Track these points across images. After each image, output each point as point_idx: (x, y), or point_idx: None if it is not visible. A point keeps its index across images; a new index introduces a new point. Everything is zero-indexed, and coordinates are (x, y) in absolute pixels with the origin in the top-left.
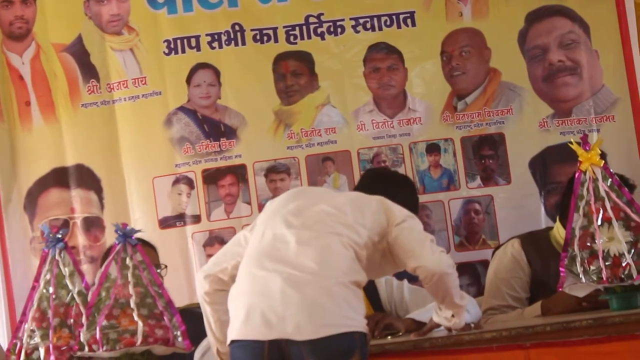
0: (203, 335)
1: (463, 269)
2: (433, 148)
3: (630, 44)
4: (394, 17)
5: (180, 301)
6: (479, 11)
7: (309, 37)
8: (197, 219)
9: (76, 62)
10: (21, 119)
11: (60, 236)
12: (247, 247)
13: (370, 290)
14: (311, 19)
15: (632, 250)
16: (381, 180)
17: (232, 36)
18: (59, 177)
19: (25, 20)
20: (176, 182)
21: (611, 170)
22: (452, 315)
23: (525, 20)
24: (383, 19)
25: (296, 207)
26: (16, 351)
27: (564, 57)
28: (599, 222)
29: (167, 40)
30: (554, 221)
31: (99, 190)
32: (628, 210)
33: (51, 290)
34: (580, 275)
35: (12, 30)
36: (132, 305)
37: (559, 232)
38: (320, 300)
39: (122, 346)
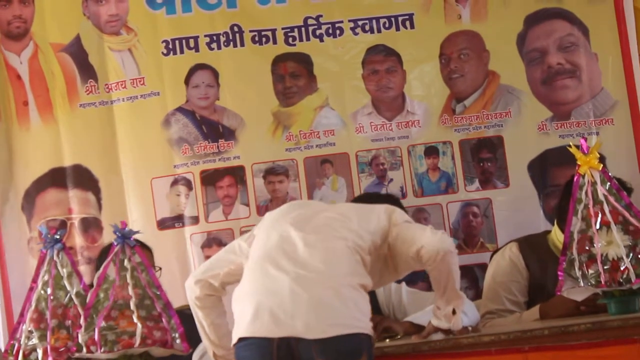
0: None
1: (461, 272)
2: (431, 151)
3: (630, 46)
4: (392, 19)
5: (178, 302)
6: (478, 14)
7: (308, 39)
8: (195, 220)
9: (74, 62)
10: (19, 119)
11: (58, 237)
12: (242, 256)
13: (369, 293)
14: (310, 21)
15: (631, 254)
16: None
17: (230, 37)
18: (56, 178)
19: (23, 19)
20: (174, 183)
21: (610, 174)
22: (453, 313)
23: (524, 23)
24: (382, 21)
25: (300, 214)
26: (14, 352)
27: (563, 60)
28: (598, 226)
29: (165, 41)
30: (553, 224)
31: (96, 191)
32: (626, 214)
33: (49, 291)
34: (579, 279)
35: (10, 29)
36: (131, 306)
37: (556, 236)
38: (328, 300)
39: (120, 348)
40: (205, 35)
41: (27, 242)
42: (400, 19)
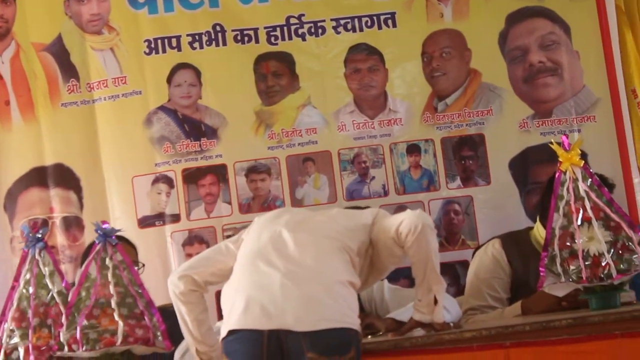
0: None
1: (443, 269)
2: (413, 149)
3: (611, 44)
4: (374, 17)
5: (159, 300)
6: (460, 12)
7: (290, 38)
8: (176, 218)
9: (56, 62)
10: (1, 119)
11: (40, 236)
12: (228, 257)
13: None
14: (292, 20)
15: (612, 250)
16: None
17: (213, 36)
18: (38, 177)
19: (5, 19)
20: (156, 181)
21: (591, 171)
22: (435, 302)
23: (506, 22)
24: (364, 19)
25: (290, 217)
26: None
27: (544, 58)
28: (579, 222)
29: (147, 40)
30: (534, 222)
31: (78, 190)
32: (608, 210)
33: (31, 290)
34: (560, 275)
35: None
36: (113, 305)
37: (539, 232)
38: (319, 295)
39: (102, 346)
40: (188, 35)
41: (9, 241)
42: (382, 17)
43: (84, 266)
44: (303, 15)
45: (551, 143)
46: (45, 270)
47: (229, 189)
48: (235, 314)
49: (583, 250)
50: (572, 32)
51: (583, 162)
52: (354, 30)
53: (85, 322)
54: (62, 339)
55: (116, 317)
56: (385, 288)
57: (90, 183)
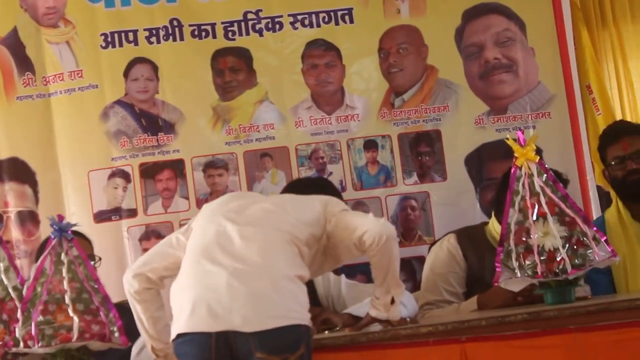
0: None
1: (399, 265)
2: (370, 144)
3: (566, 40)
4: (332, 13)
5: (115, 295)
6: (417, 8)
7: (247, 34)
8: (133, 212)
9: (11, 55)
10: None
11: None
12: (179, 249)
13: (308, 285)
14: (249, 15)
15: (567, 245)
16: (304, 187)
17: (170, 31)
18: None
19: None
20: (112, 175)
21: (546, 166)
22: (392, 302)
23: (462, 18)
24: (321, 15)
25: (238, 206)
26: None
27: (499, 55)
28: (534, 217)
29: (104, 34)
30: (489, 217)
31: (33, 184)
32: (562, 206)
33: None
34: (516, 270)
35: None
36: (68, 300)
37: (494, 227)
38: (266, 292)
39: (57, 342)
40: (145, 29)
41: None
42: (339, 13)
43: (39, 261)
44: (260, 10)
45: (507, 139)
46: (0, 266)
47: (187, 184)
48: (183, 316)
49: (538, 246)
50: (527, 28)
51: (538, 157)
52: (311, 26)
53: (40, 318)
54: (17, 335)
55: (71, 313)
56: (343, 283)
57: (46, 177)
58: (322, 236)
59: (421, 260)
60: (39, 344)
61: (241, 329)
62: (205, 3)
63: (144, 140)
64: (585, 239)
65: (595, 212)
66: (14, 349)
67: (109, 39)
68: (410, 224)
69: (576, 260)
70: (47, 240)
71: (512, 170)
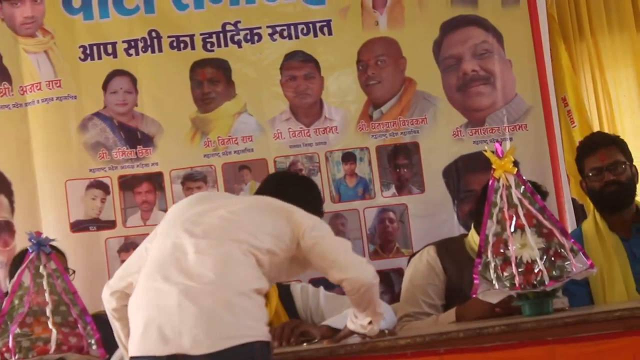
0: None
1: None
2: (349, 157)
3: (543, 53)
4: (310, 25)
5: (92, 306)
6: (395, 20)
7: (226, 45)
8: (111, 224)
9: None
10: None
11: None
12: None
13: (286, 297)
14: (228, 27)
15: (544, 257)
16: (285, 183)
17: (148, 43)
18: None
19: None
20: (90, 186)
21: (524, 178)
22: (369, 323)
23: (440, 30)
24: (300, 27)
25: (197, 214)
26: None
27: (477, 67)
28: (512, 229)
29: (82, 46)
30: (467, 229)
31: (9, 194)
32: (540, 217)
33: None
34: (494, 282)
35: None
36: (47, 313)
37: (473, 239)
38: (218, 311)
39: (35, 354)
40: (123, 41)
41: None
42: (318, 25)
43: (16, 275)
44: (239, 22)
45: (485, 150)
46: None
47: (165, 197)
48: (135, 337)
49: (516, 257)
50: (504, 40)
51: (516, 169)
52: (290, 38)
53: (18, 330)
54: None
55: (50, 325)
56: (321, 295)
57: (22, 187)
58: (290, 247)
59: (399, 272)
60: (16, 356)
61: (191, 352)
62: (183, 14)
63: (123, 153)
64: (562, 250)
65: (570, 225)
66: None
67: (88, 52)
68: (388, 236)
69: (554, 272)
70: (23, 253)
71: (490, 182)
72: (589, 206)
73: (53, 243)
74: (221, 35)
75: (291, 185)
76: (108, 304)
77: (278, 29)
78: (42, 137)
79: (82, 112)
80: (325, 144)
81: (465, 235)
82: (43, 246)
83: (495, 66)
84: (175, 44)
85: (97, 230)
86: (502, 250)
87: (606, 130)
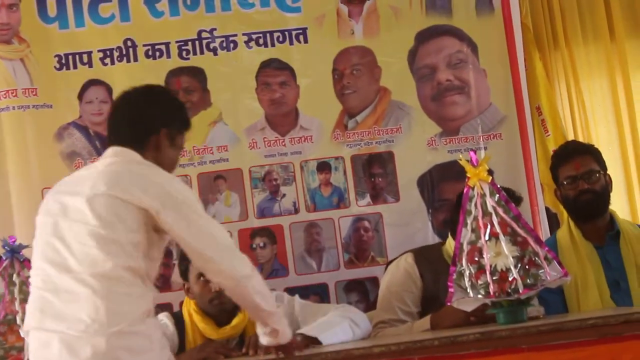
0: None
1: (352, 285)
2: (324, 166)
3: (518, 62)
4: (286, 33)
5: None
6: (370, 29)
7: (202, 53)
8: None
9: None
10: None
11: None
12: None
13: None
14: (204, 34)
15: (519, 265)
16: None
17: (124, 52)
18: None
19: None
20: None
21: (498, 186)
22: (274, 331)
23: (415, 40)
24: (276, 34)
25: (53, 231)
26: None
27: (452, 77)
28: (487, 237)
29: (58, 56)
30: (442, 238)
31: None
32: (515, 226)
33: None
34: (468, 290)
35: None
36: (19, 321)
37: (450, 247)
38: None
39: None
40: (99, 51)
41: None
42: (294, 32)
43: None
44: (215, 29)
45: (460, 159)
46: None
47: None
48: None
49: (490, 265)
50: (479, 50)
51: (491, 178)
52: (266, 45)
53: None
54: None
55: (22, 334)
56: (296, 303)
57: None
58: (146, 224)
59: (374, 281)
60: None
61: None
62: (159, 21)
63: None
64: (537, 258)
65: (544, 233)
66: None
67: (63, 61)
68: (363, 245)
69: (528, 280)
70: None
71: (464, 191)
72: (563, 215)
73: (28, 250)
74: (197, 42)
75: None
76: None
77: (254, 36)
78: (17, 145)
79: (57, 121)
80: (301, 154)
81: (443, 243)
82: (17, 253)
83: (469, 76)
84: (150, 52)
85: None
86: (476, 259)
87: (580, 140)
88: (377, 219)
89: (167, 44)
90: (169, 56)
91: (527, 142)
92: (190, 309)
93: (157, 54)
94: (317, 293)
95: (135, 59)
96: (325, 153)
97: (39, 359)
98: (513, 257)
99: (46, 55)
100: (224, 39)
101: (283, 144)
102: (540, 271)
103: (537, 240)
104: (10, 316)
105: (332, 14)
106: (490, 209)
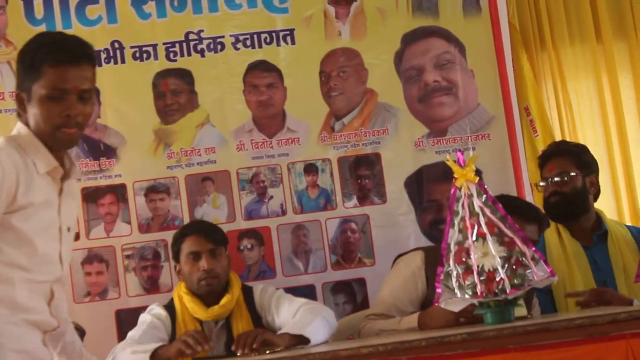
0: None
1: (339, 287)
2: (310, 168)
3: (505, 63)
4: (273, 34)
5: None
6: (357, 31)
7: (189, 54)
8: (75, 236)
9: None
10: None
11: None
12: None
13: (248, 295)
14: (191, 36)
15: (506, 265)
16: None
17: (111, 54)
18: None
19: None
20: None
21: (486, 187)
22: None
23: (402, 41)
24: (263, 35)
25: None
26: None
27: (439, 78)
28: (474, 238)
29: None
30: (430, 239)
31: None
32: (502, 226)
33: None
34: (456, 290)
35: None
36: None
37: None
38: None
39: None
40: None
41: None
42: (281, 34)
43: None
44: (202, 31)
45: (447, 160)
46: None
47: (129, 209)
48: None
49: (478, 266)
50: (466, 51)
51: (478, 178)
52: (253, 47)
53: None
54: None
55: None
56: (275, 296)
57: None
58: None
59: (361, 282)
60: None
61: None
62: (146, 23)
63: (86, 165)
64: (524, 259)
65: None
66: None
67: None
68: (350, 246)
69: (515, 280)
70: None
71: (452, 191)
72: None
73: None
74: (184, 44)
75: None
76: None
77: (241, 37)
78: None
79: None
80: (288, 156)
81: None
82: None
83: (457, 76)
84: (138, 54)
85: None
86: (463, 259)
87: (567, 139)
88: (364, 220)
89: (154, 46)
90: (156, 58)
91: (515, 143)
92: (180, 292)
93: (145, 55)
94: (305, 294)
95: (123, 61)
96: (312, 155)
97: None
98: (500, 258)
99: None
100: (211, 40)
101: (270, 145)
102: (528, 271)
103: (524, 240)
104: None
105: (319, 15)
106: (477, 209)
